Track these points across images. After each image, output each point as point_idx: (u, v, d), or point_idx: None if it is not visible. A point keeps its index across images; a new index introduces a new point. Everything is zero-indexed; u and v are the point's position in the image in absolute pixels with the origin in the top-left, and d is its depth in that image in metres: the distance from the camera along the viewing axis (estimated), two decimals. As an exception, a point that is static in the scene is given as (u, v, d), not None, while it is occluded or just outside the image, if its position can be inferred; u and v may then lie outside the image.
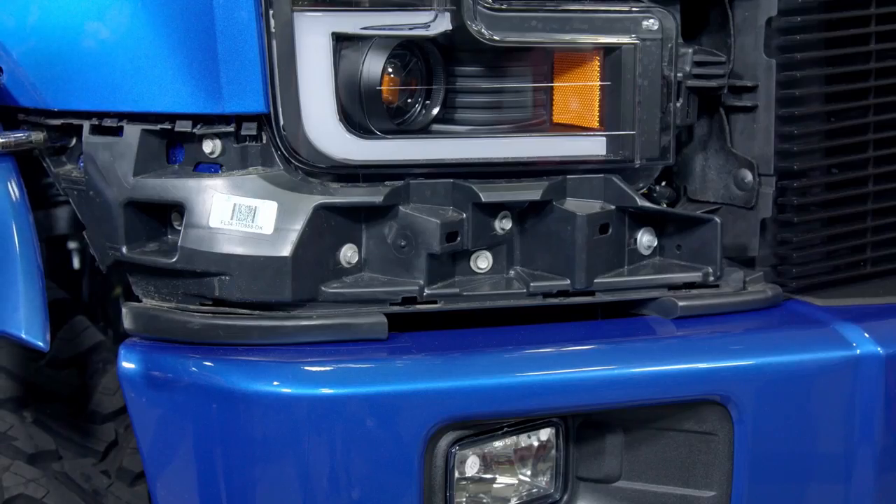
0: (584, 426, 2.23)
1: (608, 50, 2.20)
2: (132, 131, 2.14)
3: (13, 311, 2.14)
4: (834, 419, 2.23)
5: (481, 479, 2.18)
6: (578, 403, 2.16)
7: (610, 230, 2.23)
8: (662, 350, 2.20)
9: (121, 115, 2.15)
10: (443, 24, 2.11)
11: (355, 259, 2.15)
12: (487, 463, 2.18)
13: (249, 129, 2.11)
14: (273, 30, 2.05)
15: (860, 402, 2.22)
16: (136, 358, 2.13)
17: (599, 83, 2.21)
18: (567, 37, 2.18)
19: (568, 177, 2.23)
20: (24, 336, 2.13)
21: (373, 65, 2.09)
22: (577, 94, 2.23)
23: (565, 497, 2.25)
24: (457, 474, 2.14)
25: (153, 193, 2.13)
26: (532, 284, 2.19)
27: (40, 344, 2.13)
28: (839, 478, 2.24)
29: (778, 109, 2.31)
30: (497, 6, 2.13)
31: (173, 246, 2.13)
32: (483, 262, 2.21)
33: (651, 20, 2.20)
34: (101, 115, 2.16)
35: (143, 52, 2.09)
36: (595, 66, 2.21)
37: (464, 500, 2.17)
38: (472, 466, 2.16)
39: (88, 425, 2.47)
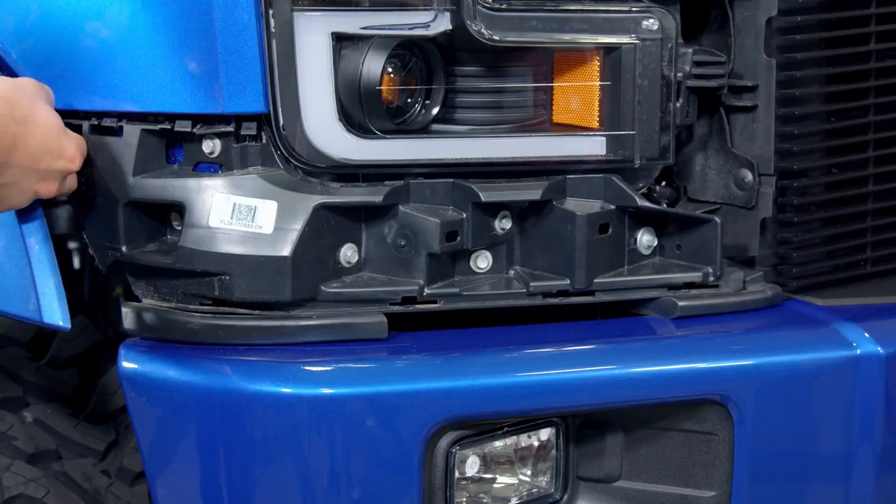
0: (584, 426, 2.23)
1: (608, 50, 2.20)
2: (132, 131, 2.13)
3: (30, 296, 2.15)
4: (834, 419, 2.23)
5: (481, 479, 2.18)
6: (578, 403, 2.16)
7: (610, 230, 2.23)
8: (662, 350, 2.20)
9: (120, 115, 2.15)
10: (442, 23, 2.11)
11: (355, 259, 2.15)
12: (487, 463, 2.18)
13: (249, 128, 2.11)
14: (273, 30, 2.05)
15: (860, 402, 2.22)
16: (136, 358, 2.13)
17: (599, 83, 2.21)
18: (567, 37, 2.18)
19: (568, 177, 2.23)
20: (45, 320, 2.14)
21: (373, 65, 2.09)
22: (577, 94, 2.23)
23: (565, 497, 2.25)
24: (457, 474, 2.13)
25: (153, 193, 2.13)
26: (532, 284, 2.19)
27: (61, 324, 2.14)
28: (839, 478, 2.24)
29: (778, 109, 2.31)
30: (497, 6, 2.13)
31: (173, 246, 2.13)
32: (483, 261, 2.21)
33: (651, 20, 2.20)
34: (101, 115, 2.16)
35: (143, 51, 2.09)
36: (595, 65, 2.21)
37: (464, 499, 2.17)
38: (472, 466, 2.16)
39: (88, 425, 2.47)
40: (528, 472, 2.21)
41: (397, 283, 2.15)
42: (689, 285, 2.29)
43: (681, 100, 2.26)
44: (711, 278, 2.28)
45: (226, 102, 2.08)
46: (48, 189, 2.07)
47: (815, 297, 2.37)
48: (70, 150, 2.07)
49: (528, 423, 2.18)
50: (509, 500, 2.21)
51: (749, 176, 2.33)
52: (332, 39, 2.08)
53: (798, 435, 2.22)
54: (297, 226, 2.09)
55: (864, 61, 2.38)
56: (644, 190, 2.33)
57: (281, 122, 2.09)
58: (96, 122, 2.17)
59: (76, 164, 2.09)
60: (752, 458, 2.20)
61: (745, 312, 2.30)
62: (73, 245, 3.15)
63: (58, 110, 2.18)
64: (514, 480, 2.21)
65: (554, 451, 2.22)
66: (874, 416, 2.23)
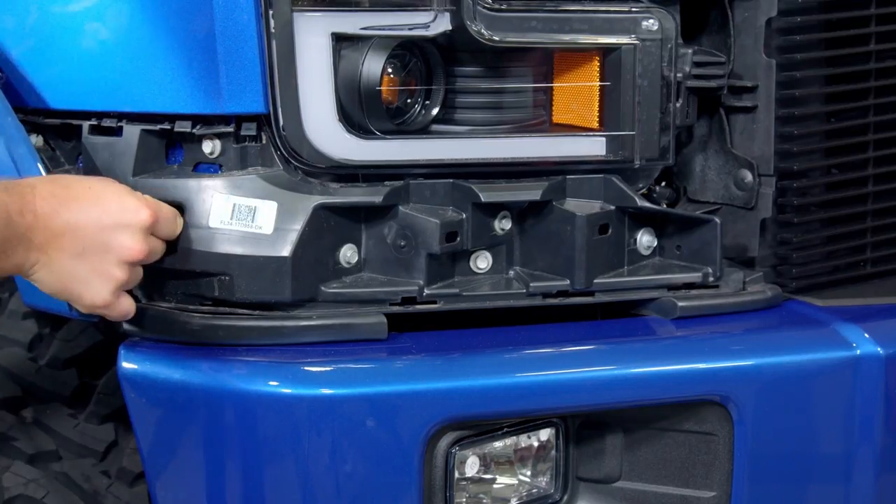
0: (584, 426, 2.23)
1: (608, 50, 2.20)
2: (131, 131, 2.14)
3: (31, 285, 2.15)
4: (834, 419, 2.23)
5: (481, 480, 2.18)
6: (578, 403, 2.16)
7: (610, 230, 2.23)
8: (662, 350, 2.20)
9: (120, 115, 2.15)
10: (442, 24, 2.11)
11: (355, 259, 2.15)
12: (487, 463, 2.18)
13: (249, 129, 2.11)
14: (273, 30, 2.05)
15: (860, 402, 2.22)
16: (136, 358, 2.13)
17: (599, 83, 2.21)
18: (567, 37, 2.18)
19: (568, 177, 2.23)
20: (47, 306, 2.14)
21: (372, 65, 2.09)
22: (577, 95, 2.23)
23: (565, 497, 2.25)
24: (457, 474, 2.13)
25: (152, 194, 2.12)
26: (532, 284, 2.19)
27: (65, 309, 2.13)
28: (839, 478, 2.24)
29: (778, 110, 2.31)
30: (497, 6, 2.13)
31: (173, 246, 2.13)
32: (483, 262, 2.21)
33: (651, 20, 2.20)
34: (101, 115, 2.16)
35: (143, 52, 2.09)
36: (595, 66, 2.21)
37: (464, 500, 2.17)
38: (472, 467, 2.16)
39: (88, 425, 2.47)
40: (528, 473, 2.21)
41: (397, 284, 2.15)
42: (689, 286, 2.29)
43: (680, 100, 2.26)
44: (711, 279, 2.28)
45: (226, 103, 2.08)
46: (132, 251, 1.99)
47: (815, 297, 2.37)
48: (131, 202, 2.00)
49: (528, 424, 2.18)
50: (509, 501, 2.21)
51: (749, 176, 2.33)
52: (332, 40, 2.08)
53: (798, 435, 2.22)
54: (297, 226, 2.09)
55: (864, 62, 2.38)
56: (644, 190, 2.33)
57: (281, 122, 2.09)
58: (96, 123, 2.17)
59: (144, 215, 2.00)
60: (752, 459, 2.20)
61: (745, 313, 2.30)
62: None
63: (58, 110, 2.19)
64: (513, 481, 2.21)
65: (554, 452, 2.22)
66: (874, 416, 2.23)
